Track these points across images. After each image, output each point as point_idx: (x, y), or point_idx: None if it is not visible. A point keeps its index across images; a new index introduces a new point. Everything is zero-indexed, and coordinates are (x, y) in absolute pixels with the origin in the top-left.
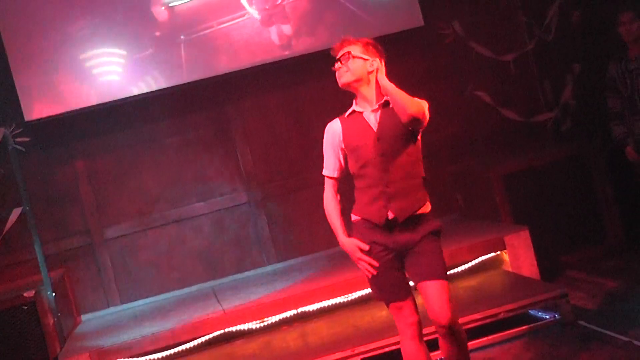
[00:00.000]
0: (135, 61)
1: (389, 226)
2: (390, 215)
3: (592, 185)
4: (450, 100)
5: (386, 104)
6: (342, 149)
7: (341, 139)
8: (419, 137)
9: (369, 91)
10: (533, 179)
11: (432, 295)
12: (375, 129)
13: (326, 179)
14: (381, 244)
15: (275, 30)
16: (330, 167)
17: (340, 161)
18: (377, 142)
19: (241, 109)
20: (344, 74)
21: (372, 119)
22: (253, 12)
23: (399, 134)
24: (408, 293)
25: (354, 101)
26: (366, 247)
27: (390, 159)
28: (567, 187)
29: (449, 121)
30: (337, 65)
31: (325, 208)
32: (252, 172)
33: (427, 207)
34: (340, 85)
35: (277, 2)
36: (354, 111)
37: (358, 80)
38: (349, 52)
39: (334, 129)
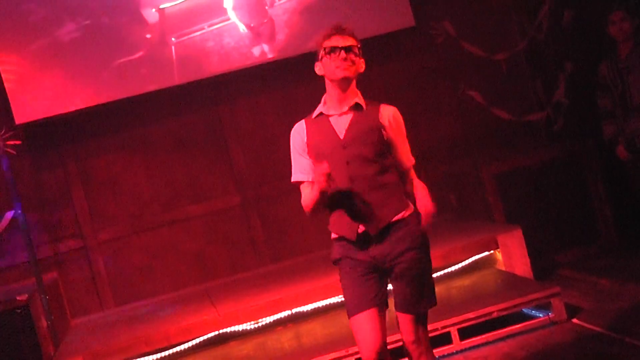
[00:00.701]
0: (126, 63)
1: (363, 241)
2: (360, 229)
3: (585, 184)
4: (443, 100)
5: (357, 107)
6: (307, 153)
7: (305, 141)
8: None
9: (352, 92)
10: (526, 179)
11: (403, 327)
12: (341, 136)
13: (301, 188)
14: (356, 259)
15: (265, 41)
16: (300, 170)
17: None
18: (343, 149)
19: (233, 110)
20: (350, 67)
21: (340, 123)
22: (242, 28)
23: (369, 141)
24: (372, 313)
25: (323, 100)
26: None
27: (358, 167)
28: (560, 186)
29: (441, 121)
30: (343, 54)
31: (303, 205)
32: (245, 174)
33: (405, 213)
34: (341, 76)
35: (264, 21)
36: (321, 113)
37: (355, 78)
38: (358, 47)
39: (299, 131)
